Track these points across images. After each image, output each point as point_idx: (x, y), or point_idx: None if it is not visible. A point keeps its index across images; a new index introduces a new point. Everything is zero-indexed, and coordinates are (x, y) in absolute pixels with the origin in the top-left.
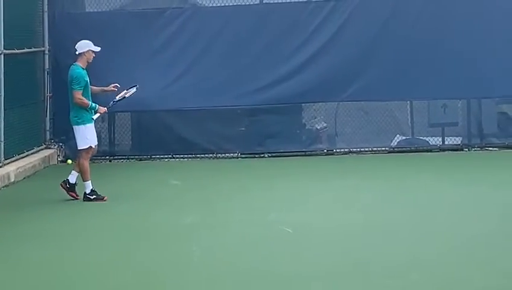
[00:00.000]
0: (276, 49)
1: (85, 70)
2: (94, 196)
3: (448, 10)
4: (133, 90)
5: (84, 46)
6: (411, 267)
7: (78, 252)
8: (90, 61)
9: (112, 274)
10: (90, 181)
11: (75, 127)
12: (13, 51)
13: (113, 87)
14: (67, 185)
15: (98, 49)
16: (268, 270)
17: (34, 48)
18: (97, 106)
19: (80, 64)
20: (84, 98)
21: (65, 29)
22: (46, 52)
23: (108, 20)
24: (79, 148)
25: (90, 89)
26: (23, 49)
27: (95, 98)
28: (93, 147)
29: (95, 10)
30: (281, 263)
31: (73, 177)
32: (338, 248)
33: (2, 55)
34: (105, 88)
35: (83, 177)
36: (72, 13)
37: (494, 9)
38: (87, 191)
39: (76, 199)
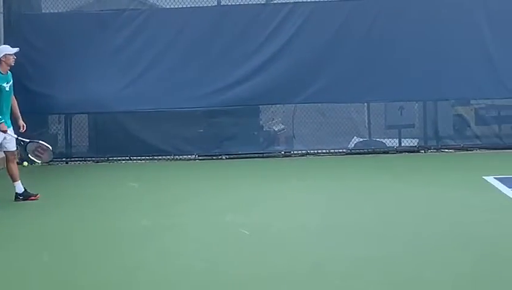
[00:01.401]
0: (233, 51)
1: (5, 76)
2: None
3: (405, 13)
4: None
5: None
6: (368, 267)
7: (32, 254)
8: (12, 63)
9: (64, 277)
10: None
11: None
12: None
13: (23, 128)
14: (20, 197)
15: (14, 50)
16: (225, 272)
17: None
18: (2, 120)
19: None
20: None
21: (21, 31)
22: None
23: (65, 21)
24: None
25: (6, 96)
26: None
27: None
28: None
29: (52, 11)
30: (238, 265)
31: (18, 188)
32: (295, 249)
33: None
34: (19, 118)
35: None
36: (28, 14)
37: (450, 13)
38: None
39: (36, 198)
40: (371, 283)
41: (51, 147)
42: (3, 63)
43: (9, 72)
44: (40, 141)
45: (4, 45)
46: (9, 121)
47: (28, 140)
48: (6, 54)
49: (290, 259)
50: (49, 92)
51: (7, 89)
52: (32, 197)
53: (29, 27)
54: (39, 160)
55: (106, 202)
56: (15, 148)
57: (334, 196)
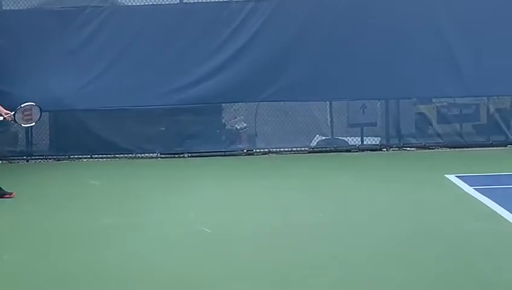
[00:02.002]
0: (196, 48)
1: None
2: None
3: (367, 12)
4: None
5: None
6: (331, 266)
7: None
8: None
9: (22, 277)
10: None
11: None
12: None
13: (7, 116)
14: None
15: None
16: (186, 271)
17: None
18: None
19: None
20: None
21: None
22: None
23: (26, 18)
24: None
25: None
26: None
27: None
28: None
29: (12, 8)
30: (200, 264)
31: None
32: (258, 248)
33: None
34: (1, 110)
35: None
36: None
37: (413, 12)
38: None
39: (12, 196)
40: (334, 281)
41: (33, 103)
42: None
43: None
44: (21, 106)
45: None
46: None
47: (12, 112)
48: None
49: (253, 257)
50: (10, 90)
51: None
52: (7, 195)
53: None
54: (33, 122)
55: (67, 200)
56: None
57: (296, 194)
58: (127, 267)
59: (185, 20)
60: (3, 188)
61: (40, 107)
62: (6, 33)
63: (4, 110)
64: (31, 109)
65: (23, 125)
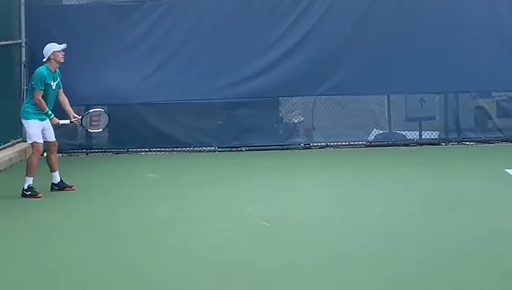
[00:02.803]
0: (254, 42)
1: (53, 74)
2: (29, 193)
3: (426, 4)
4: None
5: (47, 50)
6: (387, 261)
7: (51, 247)
8: (61, 60)
9: (85, 269)
10: (32, 178)
11: (23, 121)
12: None
13: (75, 120)
14: (56, 187)
15: (61, 47)
16: (244, 265)
17: (11, 40)
18: (52, 115)
19: (49, 66)
20: (43, 101)
21: (42, 22)
22: (23, 44)
23: (85, 12)
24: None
25: (51, 94)
26: (0, 41)
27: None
28: (38, 143)
29: (72, 3)
30: (258, 257)
31: (55, 178)
32: (314, 242)
33: None
34: (70, 113)
35: (27, 171)
36: (49, 6)
37: (472, 4)
38: (25, 187)
39: (72, 189)
40: (390, 277)
41: (101, 109)
42: (52, 60)
43: (57, 70)
44: (89, 111)
45: (51, 43)
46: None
47: (80, 117)
48: (54, 52)
49: (309, 252)
50: (70, 84)
51: (53, 87)
52: (68, 188)
53: (49, 18)
54: (99, 128)
55: (125, 193)
56: (55, 139)
57: (354, 188)
58: (182, 260)
59: (242, 14)
60: (63, 180)
61: (108, 115)
62: (67, 27)
63: (73, 113)
64: (99, 115)
65: (89, 130)
